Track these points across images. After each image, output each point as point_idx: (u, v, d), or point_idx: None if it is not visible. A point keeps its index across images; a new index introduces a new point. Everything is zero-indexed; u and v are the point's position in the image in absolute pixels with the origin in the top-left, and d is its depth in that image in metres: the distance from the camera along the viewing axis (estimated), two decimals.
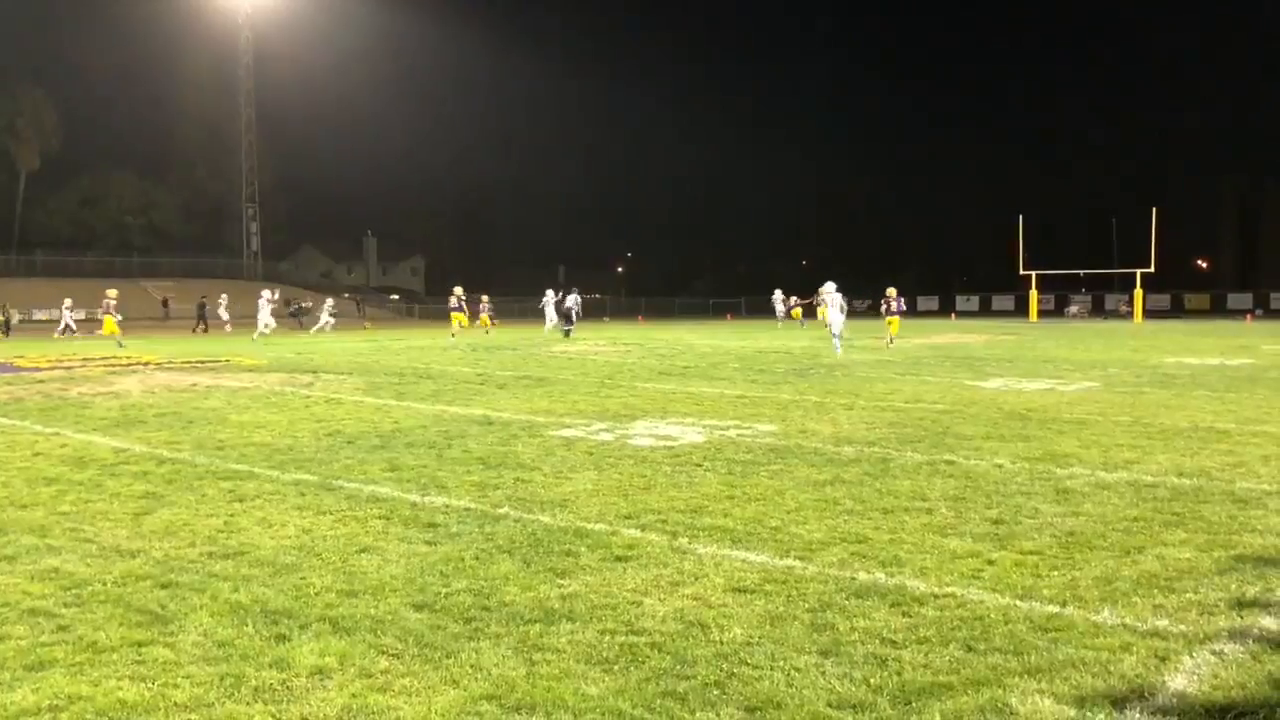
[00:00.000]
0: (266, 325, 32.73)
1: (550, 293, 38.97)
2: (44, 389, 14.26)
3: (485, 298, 39.67)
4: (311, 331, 39.38)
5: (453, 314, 34.11)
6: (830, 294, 25.40)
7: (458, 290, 34.43)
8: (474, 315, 37.05)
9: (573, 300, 35.53)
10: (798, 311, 43.02)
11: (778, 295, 46.45)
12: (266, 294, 34.15)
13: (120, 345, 27.33)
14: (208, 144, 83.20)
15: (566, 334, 33.80)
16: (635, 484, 7.19)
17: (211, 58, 79.43)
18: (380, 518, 6.22)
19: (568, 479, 7.41)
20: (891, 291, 28.48)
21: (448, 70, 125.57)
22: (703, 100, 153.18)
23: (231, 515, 6.35)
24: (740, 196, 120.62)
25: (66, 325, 37.21)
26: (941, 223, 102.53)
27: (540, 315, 39.27)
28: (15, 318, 44.70)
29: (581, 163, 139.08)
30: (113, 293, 31.15)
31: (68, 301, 39.26)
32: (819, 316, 26.15)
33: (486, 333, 36.61)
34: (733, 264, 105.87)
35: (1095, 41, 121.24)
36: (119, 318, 30.47)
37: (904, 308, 29.48)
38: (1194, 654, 3.84)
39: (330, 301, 43.11)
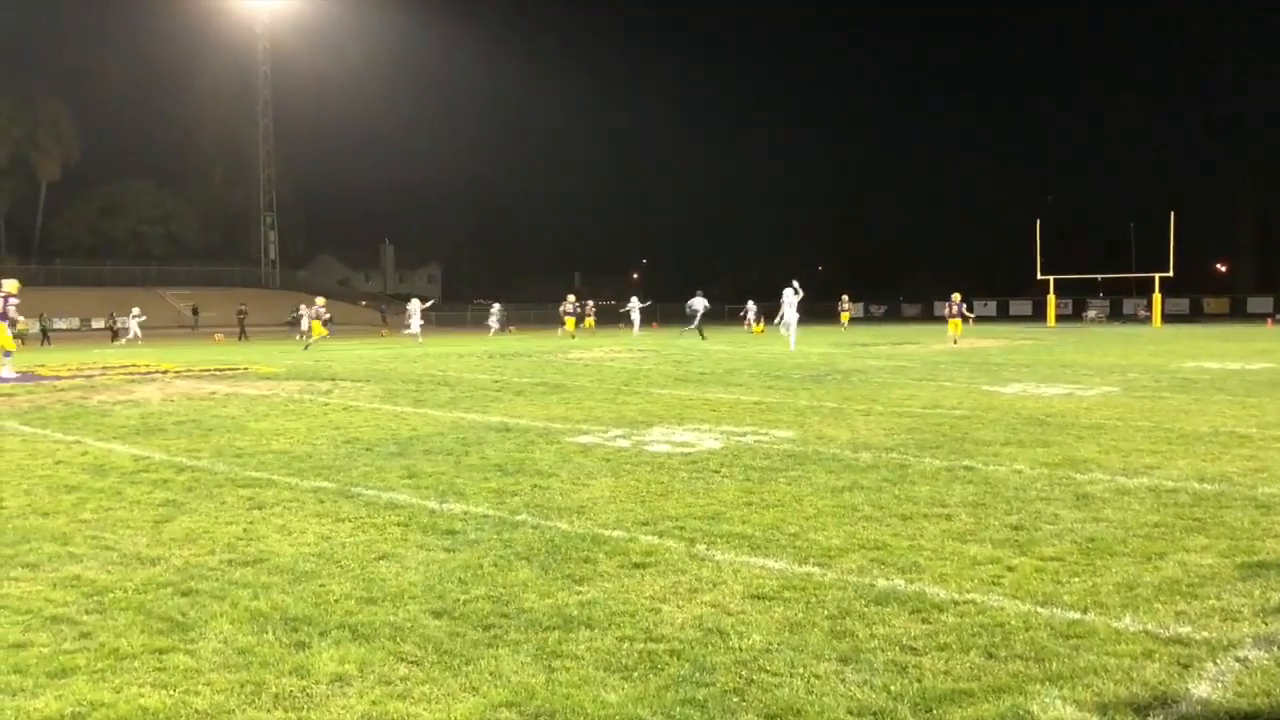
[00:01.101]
0: (419, 330, 37.11)
1: (635, 299, 43.21)
2: (64, 397, 14.36)
3: (591, 303, 45.27)
4: (491, 334, 43.47)
5: (566, 319, 39.28)
6: (789, 297, 29.04)
7: (570, 297, 40.10)
8: (580, 319, 41.96)
9: (700, 303, 37.60)
10: (759, 327, 43.39)
11: (751, 306, 46.80)
12: (416, 302, 38.78)
13: (305, 348, 30.36)
14: (226, 153, 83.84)
15: (699, 334, 35.96)
16: (653, 490, 7.19)
17: (229, 67, 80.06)
18: (399, 525, 6.24)
19: (585, 486, 7.41)
20: (956, 296, 32.84)
21: (464, 79, 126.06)
22: (716, 105, 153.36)
23: (251, 523, 6.37)
24: (754, 201, 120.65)
25: (134, 334, 38.92)
26: (958, 227, 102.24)
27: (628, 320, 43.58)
28: (53, 324, 45.63)
29: (597, 171, 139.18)
30: (321, 300, 34.98)
31: (135, 310, 41.13)
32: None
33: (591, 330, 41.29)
34: (746, 269, 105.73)
35: (1112, 43, 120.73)
36: (327, 317, 34.19)
37: (965, 311, 33.75)
38: (1218, 661, 3.81)
39: (497, 306, 47.26)
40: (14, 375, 18.20)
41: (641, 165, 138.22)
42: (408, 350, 29.63)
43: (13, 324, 19.12)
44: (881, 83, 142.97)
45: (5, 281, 19.12)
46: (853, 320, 52.94)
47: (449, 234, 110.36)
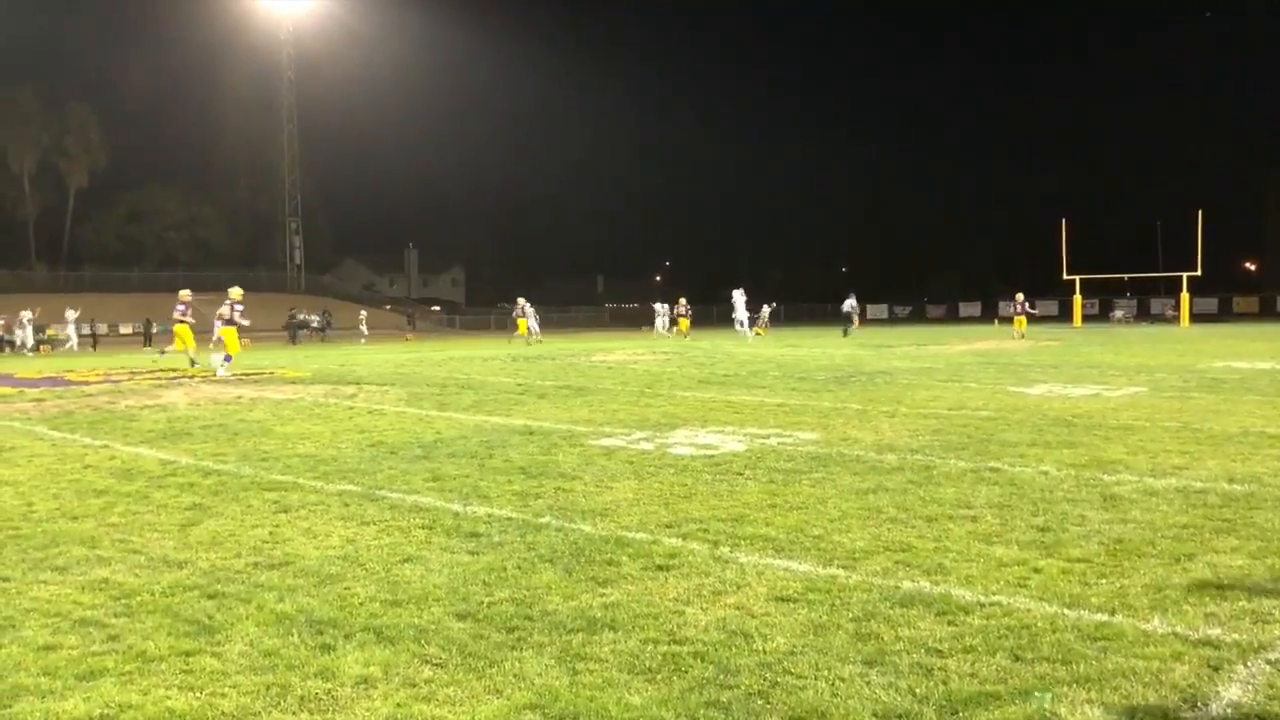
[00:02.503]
0: (534, 331, 39.13)
1: (665, 305, 46.54)
2: (93, 402, 14.49)
3: (683, 301, 45.92)
4: (661, 335, 43.90)
5: (680, 320, 41.33)
6: (738, 297, 35.76)
7: (683, 300, 41.91)
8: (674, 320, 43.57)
9: (850, 304, 41.46)
10: (685, 323, 43.08)
11: (765, 308, 46.98)
12: (524, 303, 40.50)
13: (527, 343, 33.91)
14: (251, 159, 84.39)
15: (845, 333, 39.15)
16: (676, 493, 7.18)
17: (254, 74, 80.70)
18: (423, 528, 6.26)
19: (609, 488, 7.41)
20: (1019, 296, 37.70)
21: (485, 84, 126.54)
22: (738, 107, 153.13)
23: (276, 526, 6.41)
24: (777, 203, 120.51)
25: (216, 337, 39.85)
26: (983, 228, 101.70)
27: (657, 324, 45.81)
28: (155, 327, 45.78)
29: (619, 173, 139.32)
30: (522, 300, 38.88)
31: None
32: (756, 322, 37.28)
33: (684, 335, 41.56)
34: (771, 270, 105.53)
35: (1139, 41, 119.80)
36: (532, 321, 37.50)
37: (1029, 309, 38.63)
38: (1248, 663, 3.77)
39: (680, 302, 47.16)
40: (228, 375, 19.41)
41: (663, 167, 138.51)
42: (430, 355, 29.74)
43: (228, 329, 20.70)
44: (904, 83, 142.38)
45: (231, 290, 21.17)
46: (872, 322, 53.15)
47: (472, 238, 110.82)
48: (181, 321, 22.36)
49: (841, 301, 43.19)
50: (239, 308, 20.88)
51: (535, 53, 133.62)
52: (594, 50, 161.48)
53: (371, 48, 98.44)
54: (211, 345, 21.99)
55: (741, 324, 36.71)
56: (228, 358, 20.13)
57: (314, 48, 77.50)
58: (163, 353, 22.25)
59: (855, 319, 42.29)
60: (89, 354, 37.41)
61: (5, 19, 67.10)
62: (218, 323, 21.77)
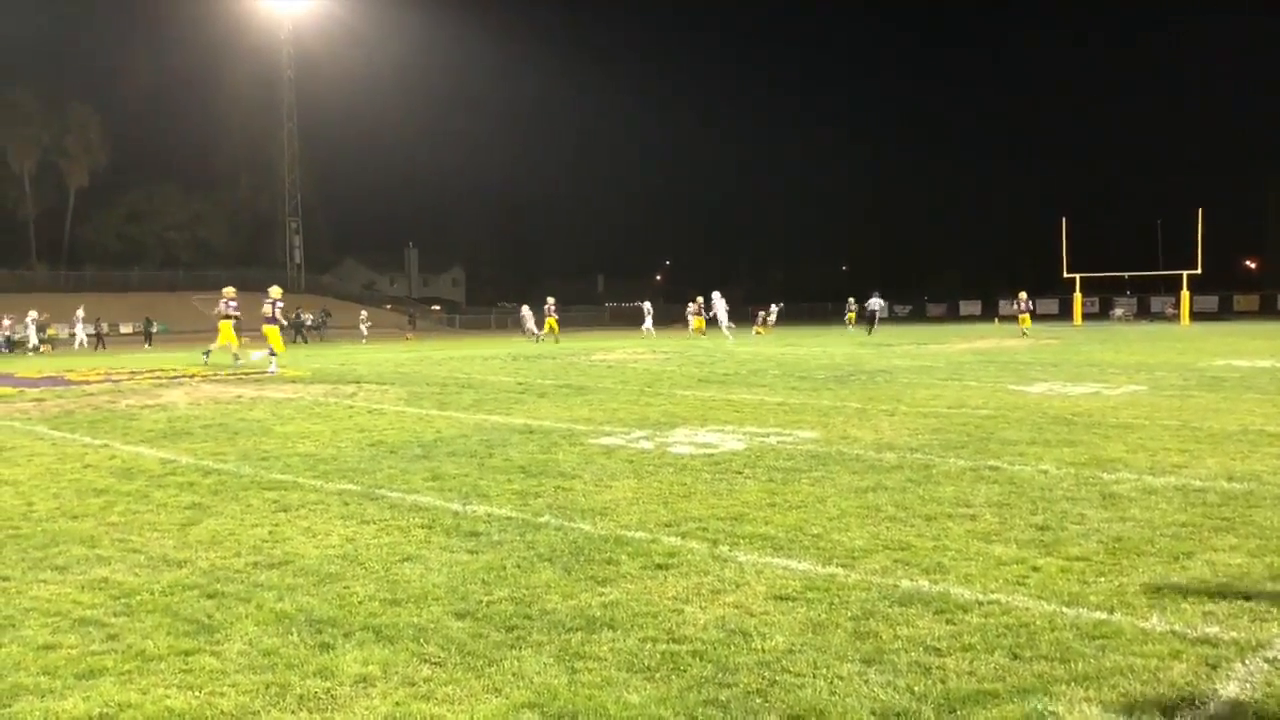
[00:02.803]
0: (533, 331, 40.09)
1: (690, 302, 46.40)
2: (93, 401, 14.49)
3: (700, 300, 45.70)
4: (649, 334, 43.68)
5: (694, 319, 41.52)
6: (718, 299, 38.05)
7: (699, 299, 41.48)
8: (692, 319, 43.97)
9: (876, 303, 42.69)
10: (700, 321, 43.01)
11: (773, 308, 47.03)
12: (527, 308, 41.60)
13: (538, 341, 35.69)
14: (251, 158, 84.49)
15: (869, 333, 40.46)
16: (675, 492, 7.18)
17: (255, 73, 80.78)
18: (423, 527, 6.26)
19: (608, 487, 7.42)
20: (1022, 295, 38.58)
21: (485, 83, 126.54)
22: (739, 105, 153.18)
23: (276, 525, 6.42)
24: (777, 202, 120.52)
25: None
26: (983, 226, 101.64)
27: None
28: (155, 326, 46.22)
29: (619, 172, 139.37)
30: (552, 300, 39.72)
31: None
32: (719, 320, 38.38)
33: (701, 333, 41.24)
34: (769, 271, 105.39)
35: (1139, 41, 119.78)
36: (530, 323, 39.08)
37: (1033, 307, 39.87)
38: (1246, 661, 3.77)
39: (697, 301, 45.94)
40: (276, 369, 20.19)
41: (663, 167, 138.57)
42: (430, 354, 29.76)
43: (278, 325, 21.49)
44: (904, 83, 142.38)
45: (271, 289, 21.88)
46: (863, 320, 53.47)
47: (472, 237, 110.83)
48: (229, 317, 22.52)
49: (866, 300, 44.08)
50: (280, 304, 21.60)
51: (535, 53, 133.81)
52: (594, 50, 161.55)
53: (371, 48, 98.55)
54: (240, 346, 22.33)
55: (727, 326, 38.63)
56: (272, 352, 20.66)
57: (314, 47, 77.59)
58: (236, 358, 22.45)
59: (868, 319, 43.07)
60: (97, 353, 37.45)
61: (5, 19, 67.14)
62: (223, 320, 22.13)
